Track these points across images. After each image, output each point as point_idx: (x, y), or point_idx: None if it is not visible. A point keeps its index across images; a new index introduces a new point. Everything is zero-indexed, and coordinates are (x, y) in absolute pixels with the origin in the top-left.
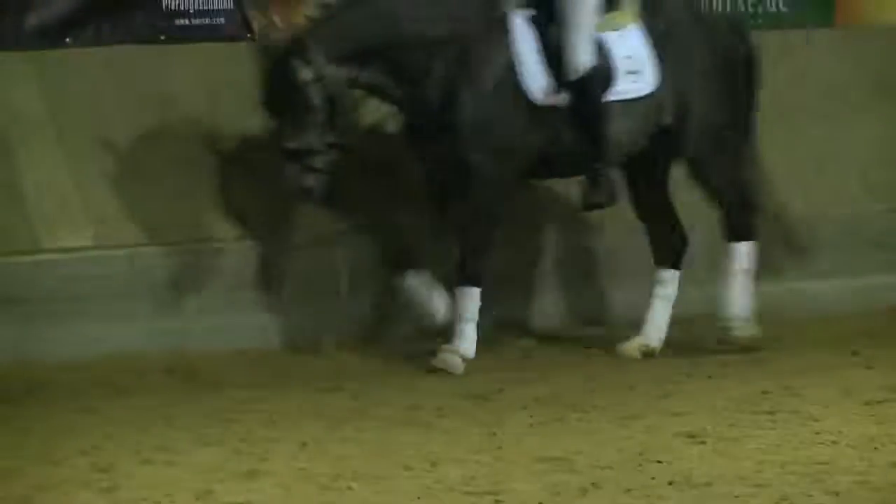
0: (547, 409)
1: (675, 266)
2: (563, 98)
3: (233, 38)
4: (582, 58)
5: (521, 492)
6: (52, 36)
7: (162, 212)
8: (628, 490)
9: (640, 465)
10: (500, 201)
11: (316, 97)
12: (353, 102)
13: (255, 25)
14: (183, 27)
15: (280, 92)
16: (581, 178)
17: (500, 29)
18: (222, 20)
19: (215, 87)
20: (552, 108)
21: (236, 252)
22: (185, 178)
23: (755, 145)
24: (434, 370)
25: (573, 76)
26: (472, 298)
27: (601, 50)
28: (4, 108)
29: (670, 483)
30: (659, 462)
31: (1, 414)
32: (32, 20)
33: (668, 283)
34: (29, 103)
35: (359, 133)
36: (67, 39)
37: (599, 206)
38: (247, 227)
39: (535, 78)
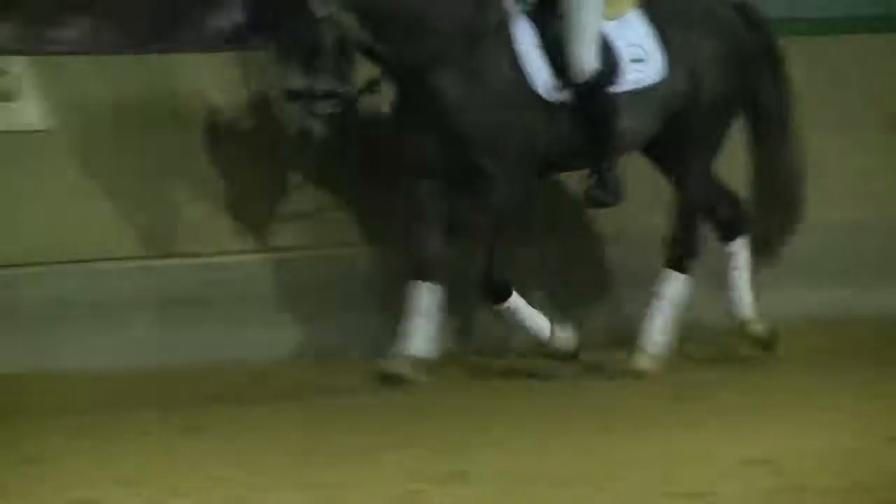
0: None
1: (682, 270)
2: (567, 95)
3: None
4: (586, 58)
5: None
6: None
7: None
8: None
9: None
10: (514, 202)
11: (327, 37)
12: (355, 56)
13: None
14: None
15: (292, 29)
16: (586, 173)
17: (504, 24)
18: None
19: None
20: (557, 105)
21: None
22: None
23: (792, 144)
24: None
25: (577, 76)
26: (428, 294)
27: (604, 42)
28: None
29: None
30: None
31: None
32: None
33: (674, 287)
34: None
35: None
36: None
37: (605, 203)
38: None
39: (539, 75)
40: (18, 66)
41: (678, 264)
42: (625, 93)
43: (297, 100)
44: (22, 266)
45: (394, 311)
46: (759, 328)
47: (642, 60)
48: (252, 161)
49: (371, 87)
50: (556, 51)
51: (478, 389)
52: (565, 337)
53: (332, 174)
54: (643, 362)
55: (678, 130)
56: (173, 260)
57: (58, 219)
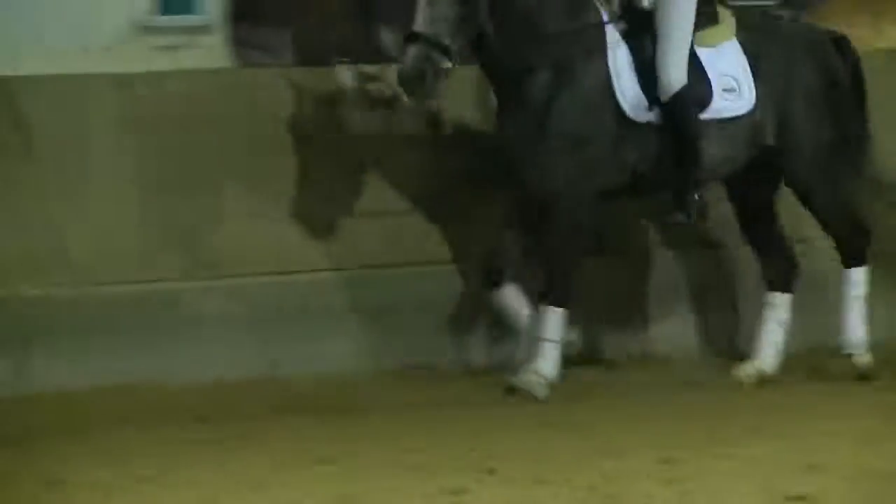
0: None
1: (787, 290)
2: (655, 115)
3: None
4: (675, 76)
5: None
6: None
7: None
8: None
9: None
10: (588, 220)
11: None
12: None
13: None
14: None
15: None
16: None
17: (598, 40)
18: None
19: None
20: (645, 125)
21: None
22: None
23: (869, 166)
24: (513, 391)
25: (665, 94)
26: (555, 319)
27: (697, 67)
28: None
29: None
30: None
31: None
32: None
33: (780, 308)
34: None
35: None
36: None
37: (684, 222)
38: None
39: (629, 93)
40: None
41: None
42: (713, 120)
43: (418, 43)
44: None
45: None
46: (859, 360)
47: (734, 90)
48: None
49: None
50: (649, 71)
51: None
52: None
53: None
54: (749, 374)
55: (780, 163)
56: None
57: None
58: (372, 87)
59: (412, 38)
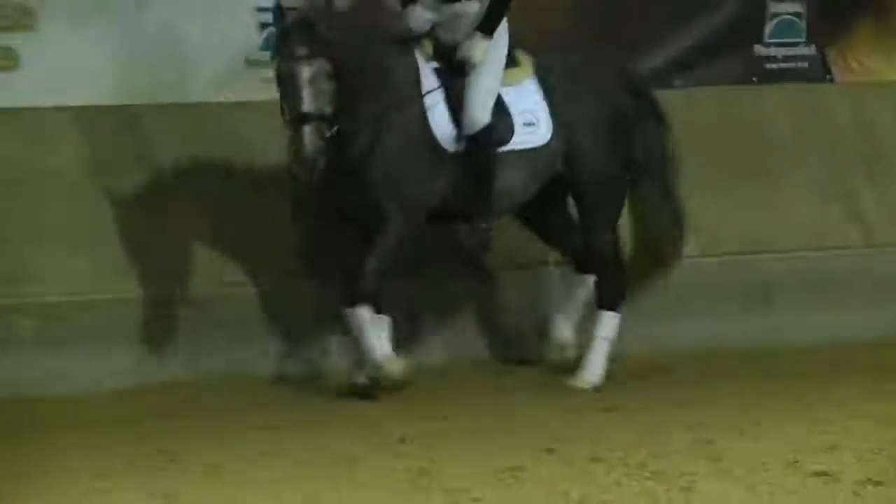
0: None
1: (610, 308)
2: (462, 147)
3: (814, 80)
4: (479, 115)
5: None
6: (664, 77)
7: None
8: None
9: None
10: (404, 245)
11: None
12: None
13: (835, 69)
14: (772, 70)
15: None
16: (464, 226)
17: (415, 78)
18: (806, 65)
19: (801, 123)
20: (454, 156)
21: None
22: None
23: (676, 197)
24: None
25: (470, 130)
26: (364, 319)
27: (500, 105)
28: None
29: None
30: None
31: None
32: (649, 64)
33: (605, 324)
34: None
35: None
36: (676, 82)
37: (478, 256)
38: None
39: (442, 127)
40: None
41: (612, 302)
42: (514, 152)
43: (309, 122)
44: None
45: None
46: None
47: (533, 124)
48: None
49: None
50: (458, 106)
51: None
52: (396, 366)
53: None
54: (582, 384)
55: (567, 190)
56: None
57: None
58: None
59: (303, 118)
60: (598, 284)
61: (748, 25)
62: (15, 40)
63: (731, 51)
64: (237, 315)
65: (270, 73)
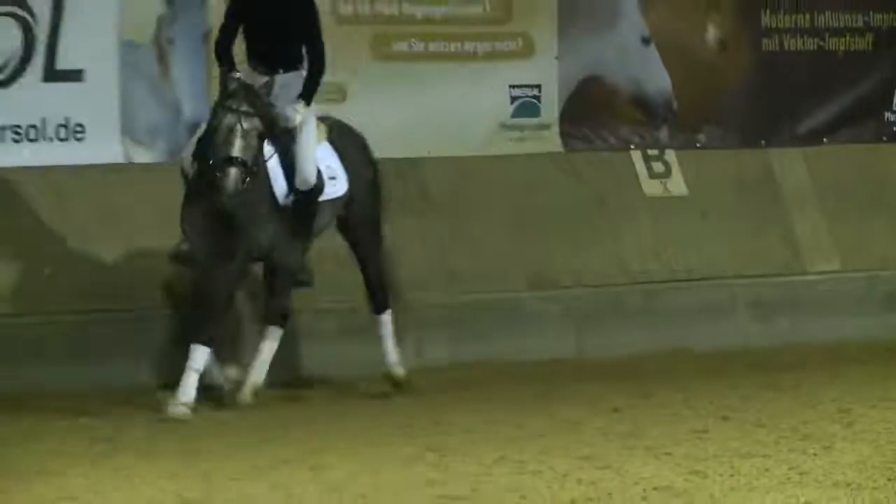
0: None
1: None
2: (290, 201)
3: None
4: (309, 172)
5: None
6: (815, 137)
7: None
8: None
9: None
10: (239, 281)
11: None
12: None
13: None
14: None
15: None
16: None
17: (261, 156)
18: None
19: None
20: (283, 208)
21: None
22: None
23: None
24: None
25: (305, 186)
26: (201, 354)
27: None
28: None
29: None
30: None
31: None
32: (805, 125)
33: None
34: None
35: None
36: (824, 139)
37: (307, 283)
38: None
39: (279, 185)
40: (671, 155)
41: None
42: (323, 201)
43: (235, 165)
44: None
45: None
46: (399, 374)
47: (334, 178)
48: None
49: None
50: (291, 168)
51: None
52: (233, 377)
53: None
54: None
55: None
56: None
57: None
58: None
59: (231, 161)
60: (372, 297)
61: (882, 95)
62: (329, 109)
63: (866, 117)
64: None
65: (518, 133)
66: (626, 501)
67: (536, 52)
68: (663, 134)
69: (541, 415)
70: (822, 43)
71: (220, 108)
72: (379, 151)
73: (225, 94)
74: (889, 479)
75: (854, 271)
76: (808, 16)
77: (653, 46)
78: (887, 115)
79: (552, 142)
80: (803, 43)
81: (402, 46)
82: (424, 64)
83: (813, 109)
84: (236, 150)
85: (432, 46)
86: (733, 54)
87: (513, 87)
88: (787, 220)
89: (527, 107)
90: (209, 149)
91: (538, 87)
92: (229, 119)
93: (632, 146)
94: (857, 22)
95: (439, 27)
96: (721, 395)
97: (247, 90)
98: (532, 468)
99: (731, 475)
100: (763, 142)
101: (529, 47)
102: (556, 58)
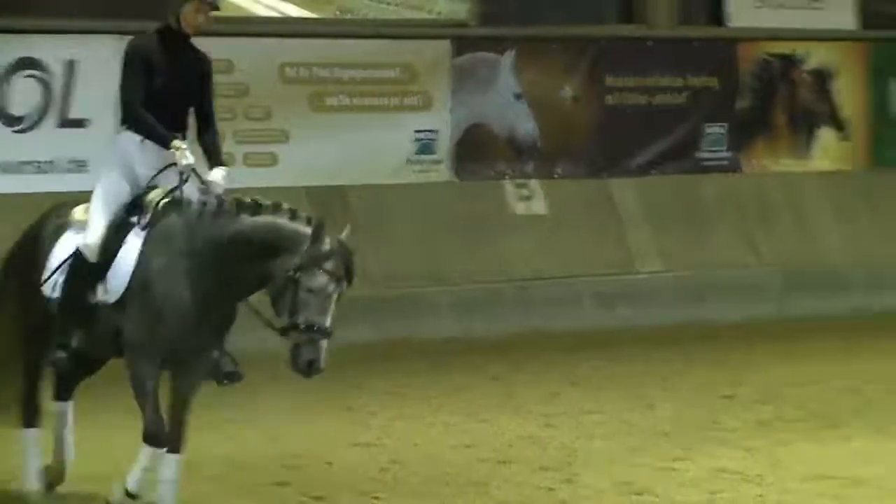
0: None
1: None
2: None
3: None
4: None
5: None
6: (644, 169)
7: None
8: None
9: None
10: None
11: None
12: None
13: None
14: (705, 166)
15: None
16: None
17: None
18: (726, 162)
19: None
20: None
21: None
22: None
23: None
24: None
25: None
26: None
27: None
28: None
29: None
30: None
31: None
32: (637, 160)
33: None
34: None
35: None
36: (651, 171)
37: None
38: None
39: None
40: (535, 183)
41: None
42: None
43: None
44: None
45: None
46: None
47: None
48: None
49: None
50: None
51: None
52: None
53: None
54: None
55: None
56: None
57: None
58: None
59: (326, 333)
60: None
61: (694, 138)
62: (276, 149)
63: (682, 154)
64: None
65: (420, 167)
66: (496, 447)
67: (434, 105)
68: (529, 167)
69: (435, 381)
70: (650, 98)
71: (315, 267)
72: (315, 181)
73: (329, 253)
74: (698, 429)
75: (673, 271)
76: (640, 78)
77: (523, 101)
78: (697, 153)
79: (446, 174)
80: (636, 98)
81: (333, 101)
82: (349, 114)
83: (643, 149)
84: (329, 320)
85: (356, 100)
86: (584, 106)
87: (416, 131)
88: (622, 232)
89: (427, 146)
90: (299, 311)
91: (436, 131)
92: (328, 283)
93: (506, 176)
94: (676, 83)
95: (361, 86)
96: (572, 366)
97: (345, 253)
98: (427, 421)
99: (577, 427)
100: (605, 173)
101: (429, 102)
102: (450, 110)
